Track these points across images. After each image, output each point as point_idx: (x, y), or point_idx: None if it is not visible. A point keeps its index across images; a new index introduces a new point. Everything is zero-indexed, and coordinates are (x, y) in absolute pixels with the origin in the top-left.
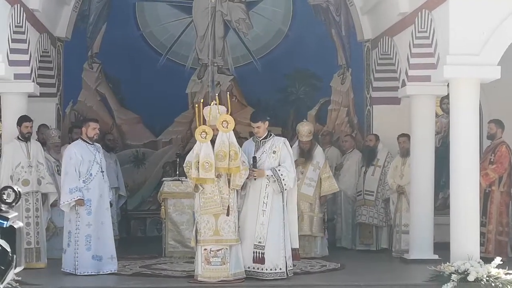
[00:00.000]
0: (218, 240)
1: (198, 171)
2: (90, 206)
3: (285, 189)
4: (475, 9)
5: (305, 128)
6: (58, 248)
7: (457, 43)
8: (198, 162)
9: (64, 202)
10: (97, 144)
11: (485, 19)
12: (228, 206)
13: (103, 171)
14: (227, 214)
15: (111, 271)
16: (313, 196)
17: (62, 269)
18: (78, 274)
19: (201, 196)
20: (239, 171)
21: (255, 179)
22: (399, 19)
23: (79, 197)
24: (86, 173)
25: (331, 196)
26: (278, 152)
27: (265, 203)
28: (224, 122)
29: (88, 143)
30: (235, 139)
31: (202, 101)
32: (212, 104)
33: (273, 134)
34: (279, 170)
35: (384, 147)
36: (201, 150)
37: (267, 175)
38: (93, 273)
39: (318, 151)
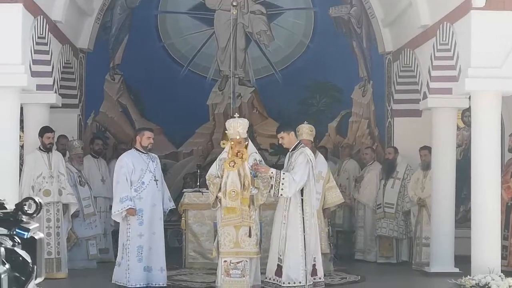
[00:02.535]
0: (238, 252)
1: (226, 199)
2: (142, 216)
3: (280, 195)
4: (496, 22)
5: (306, 126)
6: (79, 259)
7: (479, 56)
8: (226, 189)
9: (115, 212)
10: (152, 154)
11: (507, 31)
12: (250, 228)
13: (157, 180)
14: (249, 235)
15: (159, 284)
16: (320, 209)
17: (113, 282)
18: (130, 286)
19: (222, 208)
20: (248, 202)
21: (259, 174)
22: (420, 31)
23: (129, 206)
24: (137, 182)
25: (334, 208)
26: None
27: (285, 216)
28: (231, 163)
29: (142, 152)
30: (248, 170)
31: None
32: (235, 116)
33: (302, 145)
34: (283, 174)
35: (403, 159)
36: (228, 178)
37: (271, 173)
38: (143, 285)
39: (320, 159)
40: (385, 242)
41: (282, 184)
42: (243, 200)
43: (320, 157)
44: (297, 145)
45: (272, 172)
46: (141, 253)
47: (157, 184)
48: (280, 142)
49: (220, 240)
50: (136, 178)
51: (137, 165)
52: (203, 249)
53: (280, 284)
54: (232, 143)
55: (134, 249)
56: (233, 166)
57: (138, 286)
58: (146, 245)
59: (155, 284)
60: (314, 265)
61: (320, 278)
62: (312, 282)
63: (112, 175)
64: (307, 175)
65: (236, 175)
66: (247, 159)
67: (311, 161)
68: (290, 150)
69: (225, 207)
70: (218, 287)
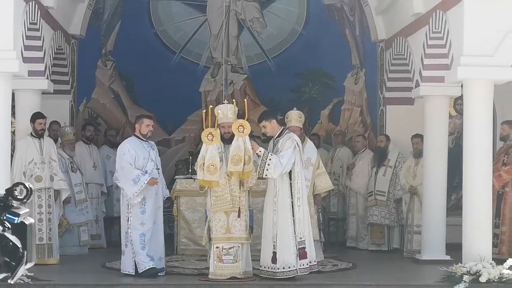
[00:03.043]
0: (229, 238)
1: (204, 173)
2: (144, 205)
3: (265, 175)
4: (489, 10)
5: (295, 112)
6: (71, 245)
7: (471, 44)
8: (204, 164)
9: (133, 194)
10: (151, 141)
11: (500, 20)
12: (239, 208)
13: (159, 169)
14: (238, 216)
15: (159, 274)
16: (310, 195)
17: (121, 271)
18: (140, 270)
19: (212, 194)
20: (250, 176)
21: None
22: (413, 19)
23: (148, 179)
24: (141, 170)
25: (325, 195)
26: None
27: (275, 202)
28: (240, 127)
29: (142, 140)
30: (250, 144)
31: (211, 107)
32: (224, 103)
33: (287, 131)
34: (271, 155)
35: (395, 147)
36: (206, 152)
37: (259, 151)
38: (149, 267)
39: (309, 145)
40: (376, 230)
41: (268, 164)
42: (246, 174)
43: (310, 143)
44: (281, 131)
45: (260, 151)
46: (144, 241)
47: (159, 173)
48: (263, 132)
49: (212, 226)
50: (140, 166)
51: (139, 153)
52: (195, 236)
53: (275, 271)
54: (204, 111)
55: (137, 237)
56: (212, 140)
57: (145, 269)
58: (148, 234)
59: (159, 268)
60: (303, 248)
61: (310, 262)
62: (308, 266)
63: (104, 160)
64: (293, 160)
65: (215, 149)
66: (247, 133)
67: (298, 145)
68: (274, 138)
69: (202, 180)
70: (211, 273)
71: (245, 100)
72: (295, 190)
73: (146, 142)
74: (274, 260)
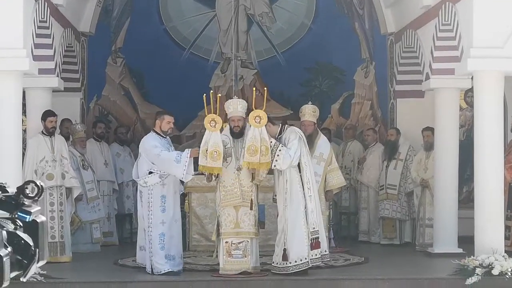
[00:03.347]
0: (238, 232)
1: (207, 159)
2: (164, 203)
3: (274, 166)
4: (499, 2)
5: (309, 106)
6: (83, 242)
7: (481, 36)
8: (207, 150)
9: (183, 174)
10: (168, 137)
11: (509, 11)
12: (251, 200)
13: None
14: (251, 208)
15: (179, 269)
16: (321, 191)
17: (139, 264)
18: (156, 273)
19: (221, 189)
20: (269, 167)
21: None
22: (422, 12)
23: (190, 152)
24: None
25: (338, 191)
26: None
27: (286, 198)
28: (257, 118)
29: (162, 136)
30: (267, 135)
31: (212, 91)
32: (234, 97)
33: (287, 126)
34: (281, 146)
35: (405, 140)
36: (210, 139)
37: (270, 142)
38: (166, 271)
39: (323, 141)
40: (388, 224)
41: (278, 155)
42: (264, 165)
43: (323, 138)
44: (281, 129)
45: (271, 142)
46: (163, 241)
47: None
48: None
49: (221, 221)
50: None
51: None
52: (207, 232)
53: (287, 265)
54: (205, 94)
55: (156, 236)
56: (214, 126)
57: (161, 273)
58: (168, 233)
59: (176, 270)
60: (317, 238)
61: (321, 252)
62: (320, 255)
63: (114, 158)
64: (300, 151)
65: (219, 136)
66: (264, 124)
67: (302, 137)
68: (276, 137)
69: (203, 166)
70: (222, 268)
71: (253, 88)
72: (304, 181)
73: (165, 139)
74: (285, 257)
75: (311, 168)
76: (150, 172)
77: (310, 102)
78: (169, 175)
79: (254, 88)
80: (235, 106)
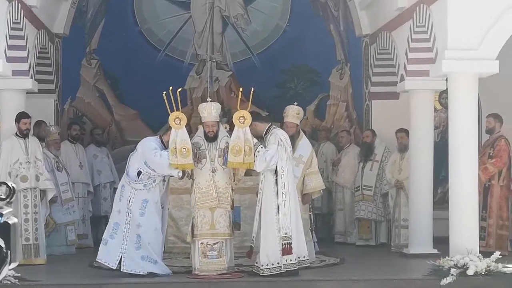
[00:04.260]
0: (214, 233)
1: (177, 157)
2: (145, 207)
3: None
4: (473, 4)
5: (293, 107)
6: (58, 245)
7: (455, 38)
8: (175, 148)
9: (179, 172)
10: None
11: (483, 13)
12: (233, 200)
13: (165, 181)
14: (231, 208)
15: (165, 273)
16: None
17: (97, 260)
18: (124, 270)
19: (196, 191)
20: (252, 167)
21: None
22: (397, 14)
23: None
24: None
25: (318, 195)
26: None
27: (260, 198)
28: (241, 118)
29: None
30: (250, 135)
31: (171, 88)
32: (208, 101)
33: (273, 127)
34: (260, 147)
35: (381, 142)
36: (177, 136)
37: (254, 140)
38: (141, 273)
39: (304, 143)
40: (364, 225)
41: (256, 156)
42: (245, 165)
43: (304, 140)
44: (268, 129)
45: (257, 141)
46: (139, 242)
47: (164, 185)
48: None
49: (196, 222)
50: None
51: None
52: (182, 234)
53: (259, 267)
54: (165, 93)
55: (133, 236)
56: (179, 124)
57: (133, 272)
58: (145, 237)
59: (161, 273)
60: (289, 244)
61: (299, 258)
62: (296, 261)
63: (91, 159)
64: (278, 155)
65: (185, 133)
66: (248, 124)
67: (282, 141)
68: (263, 136)
69: (175, 164)
70: (197, 269)
71: (240, 90)
72: (279, 185)
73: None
74: (249, 254)
75: (289, 174)
76: (139, 172)
77: (296, 103)
78: (156, 184)
79: (241, 89)
80: (209, 111)
